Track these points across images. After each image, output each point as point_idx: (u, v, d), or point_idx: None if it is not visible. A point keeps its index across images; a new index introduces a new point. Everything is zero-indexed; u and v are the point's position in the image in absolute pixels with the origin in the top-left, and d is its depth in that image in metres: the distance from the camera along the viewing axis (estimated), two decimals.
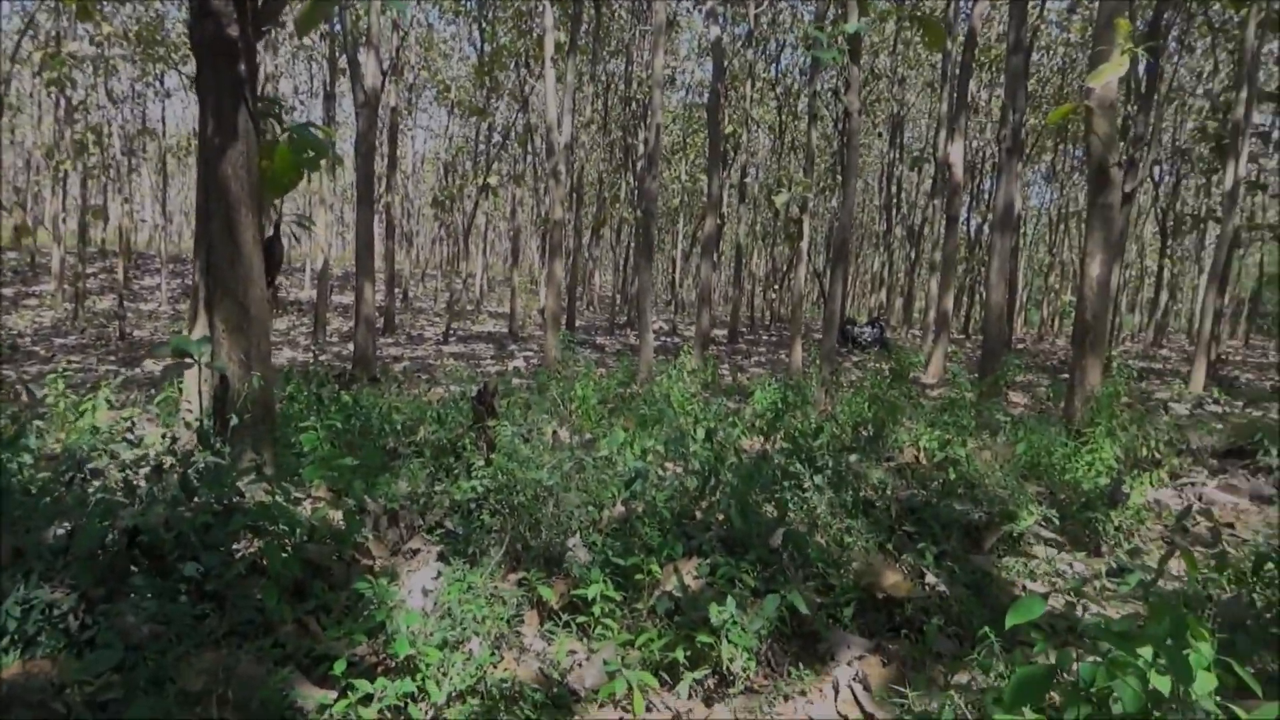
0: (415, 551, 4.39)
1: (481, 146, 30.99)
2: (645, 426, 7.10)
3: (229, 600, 3.24)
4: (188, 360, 4.52)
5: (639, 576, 3.73)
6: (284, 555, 3.43)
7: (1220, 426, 10.30)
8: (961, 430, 7.91)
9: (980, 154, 31.77)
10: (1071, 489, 5.93)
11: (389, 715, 2.88)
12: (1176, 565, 5.29)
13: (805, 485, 5.55)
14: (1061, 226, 39.20)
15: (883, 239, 36.30)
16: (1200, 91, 24.85)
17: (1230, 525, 6.32)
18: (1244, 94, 14.78)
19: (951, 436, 7.13)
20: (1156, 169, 24.98)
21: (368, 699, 2.83)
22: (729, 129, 27.64)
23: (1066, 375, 17.39)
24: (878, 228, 39.99)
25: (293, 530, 3.58)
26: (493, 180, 23.04)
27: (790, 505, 4.95)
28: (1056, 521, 5.02)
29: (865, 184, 42.38)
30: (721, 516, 4.58)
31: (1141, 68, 14.54)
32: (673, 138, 36.71)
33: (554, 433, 6.17)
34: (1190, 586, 3.25)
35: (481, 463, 4.60)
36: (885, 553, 4.74)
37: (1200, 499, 7.03)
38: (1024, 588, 4.48)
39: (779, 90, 31.91)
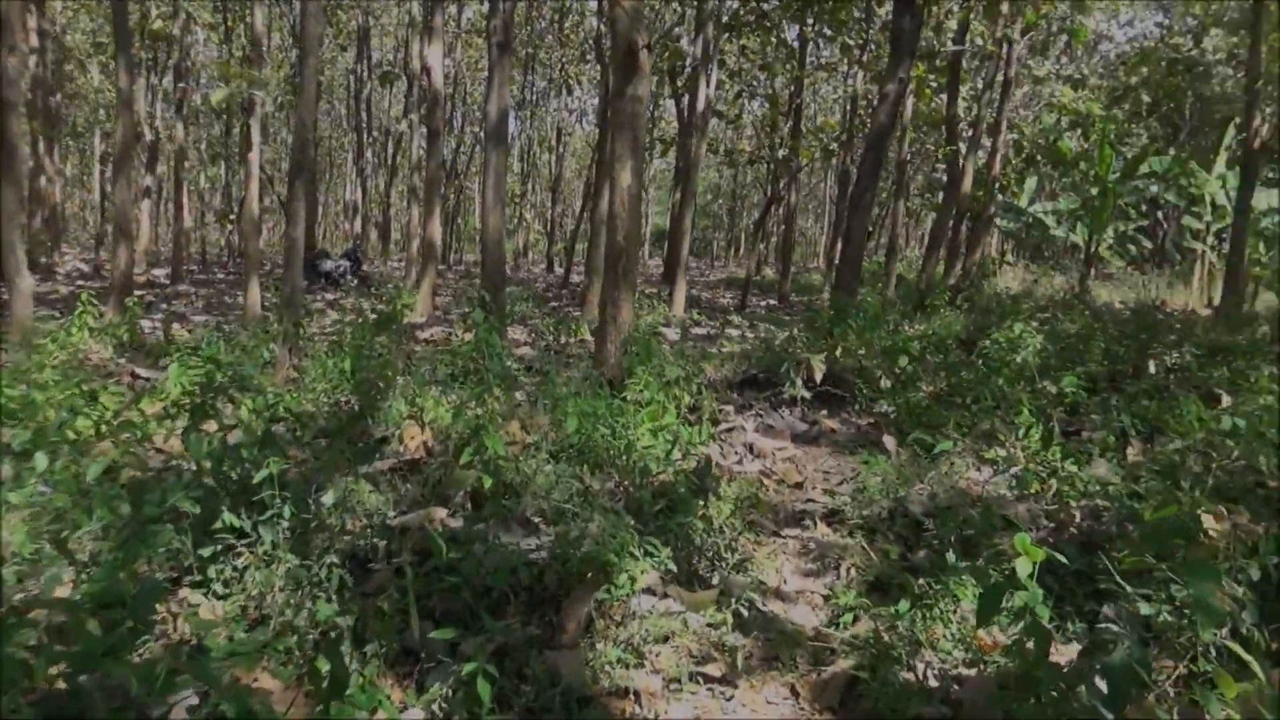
0: None
1: None
2: None
3: None
4: None
5: None
6: None
7: (717, 352, 9.87)
8: (477, 393, 5.98)
9: (456, 70, 30.19)
10: (639, 475, 4.30)
11: None
12: (778, 562, 3.94)
13: (251, 544, 3.12)
14: (530, 152, 39.77)
15: (355, 164, 33.27)
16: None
17: (799, 485, 5.31)
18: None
19: (472, 405, 5.17)
20: None
21: None
22: (156, 24, 22.39)
23: (567, 306, 16.84)
24: (349, 153, 36.78)
25: None
26: None
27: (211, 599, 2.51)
28: (674, 567, 3.26)
29: (331, 106, 38.89)
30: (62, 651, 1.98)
31: None
32: (82, 36, 29.30)
33: None
34: None
35: None
36: (399, 679, 2.57)
37: (751, 450, 6.03)
38: (635, 696, 2.63)
39: None
